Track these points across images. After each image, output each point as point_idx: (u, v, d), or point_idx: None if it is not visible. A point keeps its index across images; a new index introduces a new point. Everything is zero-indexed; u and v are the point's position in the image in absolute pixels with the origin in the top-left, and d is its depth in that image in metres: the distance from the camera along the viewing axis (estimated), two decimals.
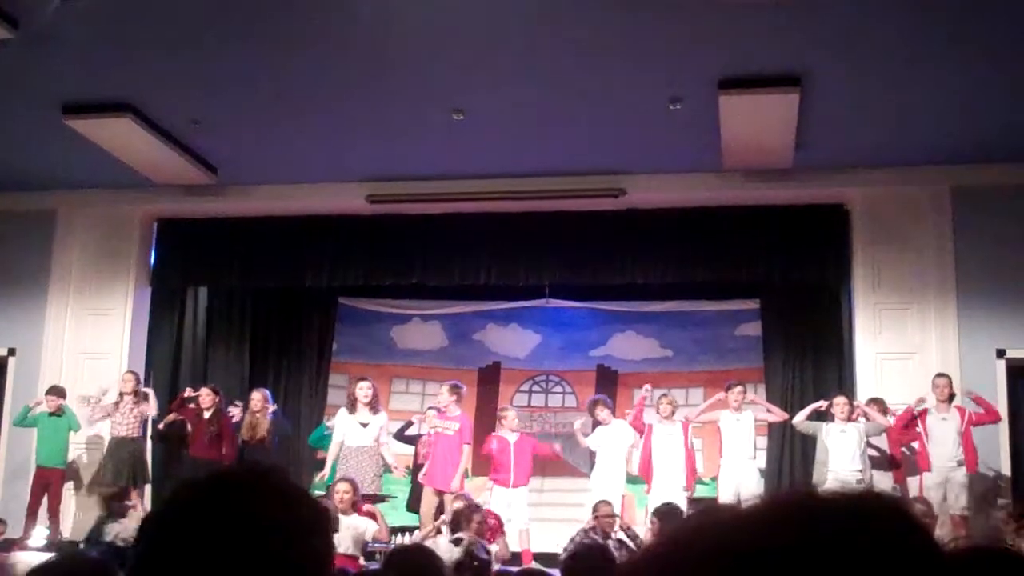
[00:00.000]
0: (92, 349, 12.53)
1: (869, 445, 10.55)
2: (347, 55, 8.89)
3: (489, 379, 14.19)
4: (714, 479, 11.64)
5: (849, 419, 10.60)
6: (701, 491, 11.83)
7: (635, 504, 11.41)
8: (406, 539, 10.82)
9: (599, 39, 8.49)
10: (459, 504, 9.80)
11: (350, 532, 9.37)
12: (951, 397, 10.49)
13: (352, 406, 11.38)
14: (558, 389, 14.10)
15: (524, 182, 11.64)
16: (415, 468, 11.83)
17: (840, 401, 10.70)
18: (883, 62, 8.71)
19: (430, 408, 12.09)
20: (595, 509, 9.88)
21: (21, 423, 11.83)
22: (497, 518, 10.33)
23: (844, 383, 11.64)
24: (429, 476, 11.18)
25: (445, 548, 8.78)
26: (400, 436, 12.15)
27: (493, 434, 11.61)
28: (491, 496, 11.25)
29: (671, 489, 10.84)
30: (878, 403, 10.65)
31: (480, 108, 9.96)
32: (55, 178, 12.23)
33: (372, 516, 9.83)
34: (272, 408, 11.80)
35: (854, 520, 0.72)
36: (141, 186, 12.13)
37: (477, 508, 9.62)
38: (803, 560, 0.69)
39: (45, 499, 11.55)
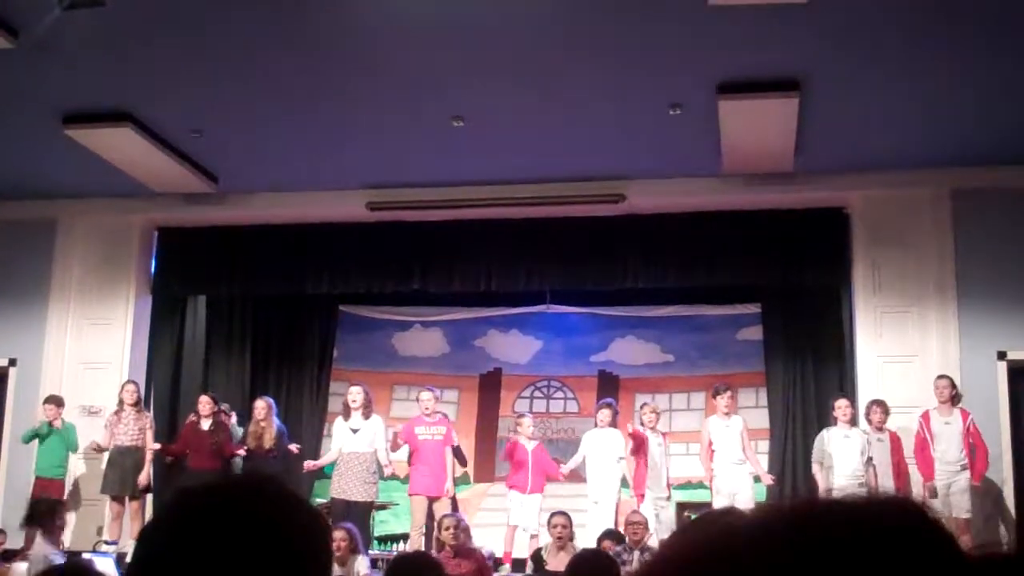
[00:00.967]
0: (93, 359, 12.52)
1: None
2: (346, 63, 8.90)
3: (490, 385, 14.20)
4: (703, 483, 11.64)
5: (851, 423, 10.59)
6: (695, 496, 11.84)
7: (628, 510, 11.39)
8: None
9: (598, 45, 8.49)
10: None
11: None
12: (953, 399, 10.48)
13: (346, 412, 11.39)
14: (560, 395, 14.09)
15: (524, 188, 11.64)
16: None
17: (842, 404, 10.69)
18: (882, 65, 8.71)
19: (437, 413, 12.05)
20: (627, 518, 9.88)
21: (29, 440, 11.80)
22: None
23: (845, 386, 11.64)
24: (415, 485, 11.18)
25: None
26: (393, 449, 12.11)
27: (514, 439, 11.56)
28: (508, 501, 11.26)
29: (661, 497, 10.93)
30: (880, 405, 10.63)
31: (479, 114, 9.96)
32: (55, 187, 12.23)
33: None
34: (276, 421, 11.79)
35: (880, 528, 0.71)
36: (141, 195, 12.13)
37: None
38: (832, 569, 0.68)
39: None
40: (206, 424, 11.60)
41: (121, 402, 11.67)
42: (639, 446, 11.09)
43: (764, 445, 12.27)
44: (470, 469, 13.45)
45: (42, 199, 12.51)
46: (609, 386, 13.76)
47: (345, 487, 10.98)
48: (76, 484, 12.15)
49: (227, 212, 12.48)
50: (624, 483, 11.48)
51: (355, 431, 11.23)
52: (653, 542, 9.93)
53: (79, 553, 10.72)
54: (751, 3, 7.61)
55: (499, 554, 10.67)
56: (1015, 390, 10.91)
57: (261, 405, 11.77)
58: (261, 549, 1.25)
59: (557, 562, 9.09)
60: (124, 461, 11.49)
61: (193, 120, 10.31)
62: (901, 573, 0.68)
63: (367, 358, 14.31)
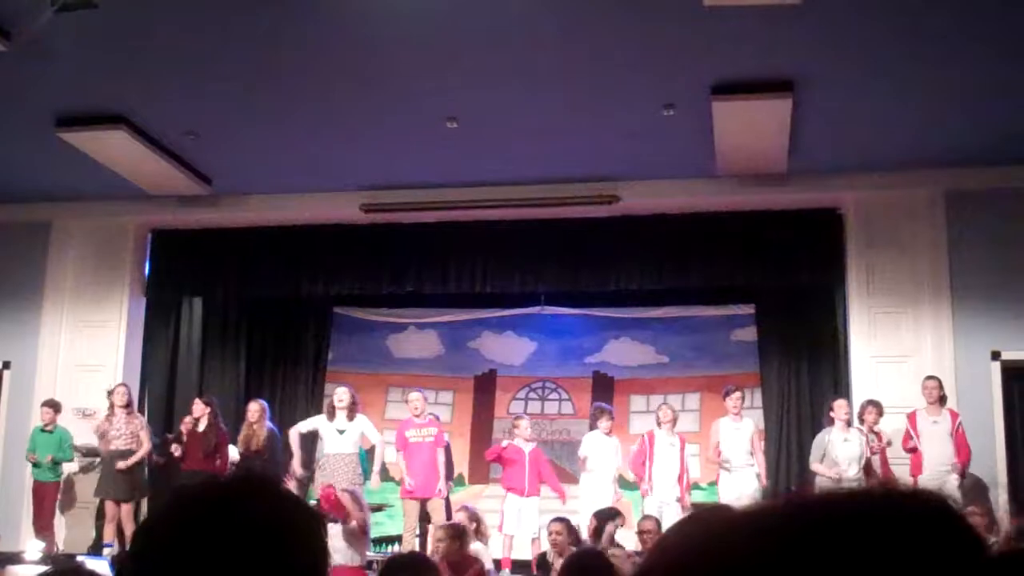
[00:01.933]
0: (87, 361, 12.51)
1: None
2: (340, 65, 8.89)
3: (485, 387, 14.19)
4: (712, 484, 11.65)
5: (849, 424, 10.60)
6: (699, 496, 11.84)
7: (631, 510, 11.39)
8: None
9: (592, 46, 8.49)
10: (462, 515, 9.79)
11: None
12: (942, 399, 10.50)
13: (331, 413, 11.40)
14: (554, 396, 14.09)
15: (518, 190, 11.65)
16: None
17: (841, 404, 10.70)
18: (876, 66, 8.72)
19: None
20: (638, 525, 9.82)
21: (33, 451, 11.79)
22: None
23: (840, 386, 11.65)
24: (406, 489, 11.20)
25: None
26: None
27: (509, 442, 11.56)
28: (503, 504, 11.26)
29: (667, 497, 10.90)
30: (875, 406, 10.65)
31: (474, 116, 9.96)
32: (49, 190, 12.22)
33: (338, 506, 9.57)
34: (269, 423, 11.80)
35: (904, 520, 0.71)
36: (135, 197, 12.12)
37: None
38: (847, 561, 0.68)
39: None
40: (200, 426, 11.58)
41: (111, 405, 11.62)
42: (650, 444, 11.13)
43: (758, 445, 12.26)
44: (464, 471, 13.45)
45: (36, 202, 12.50)
46: (604, 387, 13.76)
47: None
48: (71, 487, 12.13)
49: (221, 214, 12.48)
50: (623, 484, 11.49)
51: (341, 432, 11.24)
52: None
53: (74, 555, 10.71)
54: (745, 4, 7.62)
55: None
56: (1009, 390, 10.92)
57: (254, 408, 11.79)
58: (256, 548, 1.25)
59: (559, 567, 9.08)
60: (115, 465, 11.44)
61: (187, 122, 10.31)
62: (930, 565, 0.68)
63: (362, 360, 14.30)
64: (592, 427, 11.71)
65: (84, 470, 12.17)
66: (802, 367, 12.77)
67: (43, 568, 9.68)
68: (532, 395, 14.15)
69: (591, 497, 10.98)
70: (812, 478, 10.69)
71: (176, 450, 11.49)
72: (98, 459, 11.82)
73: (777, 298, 12.82)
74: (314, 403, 13.89)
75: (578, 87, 9.25)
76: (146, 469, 11.76)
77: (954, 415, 10.42)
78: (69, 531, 12.04)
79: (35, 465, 11.66)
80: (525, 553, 10.92)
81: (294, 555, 1.28)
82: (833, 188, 11.39)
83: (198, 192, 11.99)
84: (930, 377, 10.58)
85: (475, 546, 9.53)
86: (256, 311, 14.06)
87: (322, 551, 1.38)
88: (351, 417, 11.35)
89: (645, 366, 13.87)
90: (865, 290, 11.35)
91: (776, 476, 12.23)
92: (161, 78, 9.22)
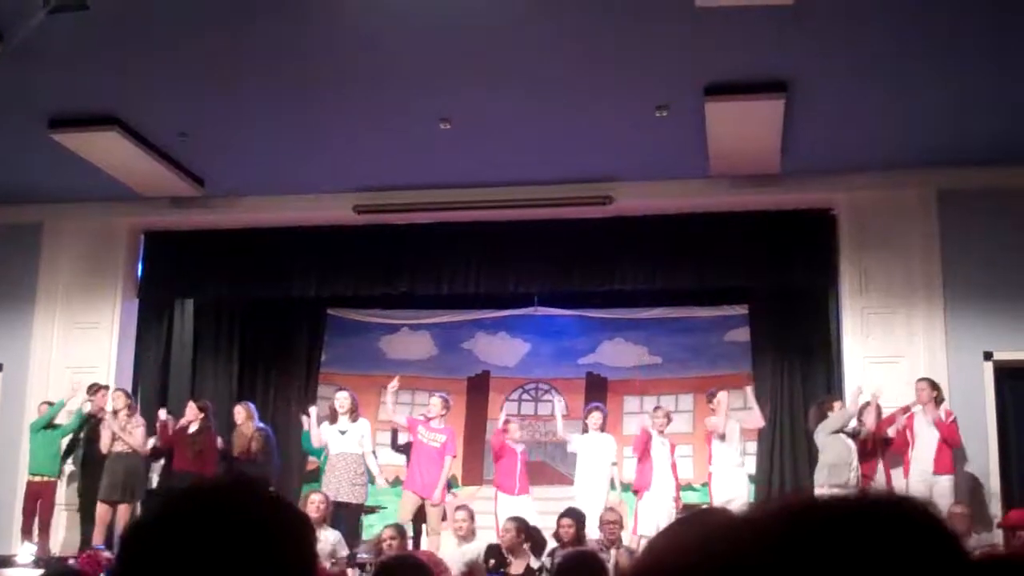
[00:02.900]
0: (80, 363, 12.48)
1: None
2: (334, 66, 8.89)
3: (478, 388, 14.20)
4: (704, 485, 11.66)
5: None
6: (692, 498, 11.85)
7: (627, 511, 11.40)
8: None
9: (585, 47, 8.50)
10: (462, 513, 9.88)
11: (324, 546, 9.40)
12: (936, 401, 10.51)
13: (332, 417, 11.44)
14: (548, 397, 14.08)
15: (511, 191, 11.64)
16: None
17: (837, 405, 10.72)
18: (868, 67, 8.73)
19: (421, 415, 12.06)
20: (600, 517, 9.91)
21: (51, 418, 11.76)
22: None
23: (833, 387, 11.66)
24: (410, 481, 11.22)
25: (457, 555, 8.88)
26: (395, 447, 12.11)
27: (504, 441, 11.61)
28: (495, 504, 11.29)
29: (663, 498, 10.92)
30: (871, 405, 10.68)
31: (467, 117, 9.96)
32: (41, 191, 12.19)
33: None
34: (259, 424, 11.79)
35: (885, 525, 0.71)
36: (128, 198, 12.10)
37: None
38: (840, 565, 0.67)
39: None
40: (192, 428, 11.57)
41: (115, 410, 11.61)
42: (643, 445, 11.13)
43: (752, 446, 12.27)
44: (458, 472, 13.45)
45: (28, 203, 12.47)
46: (597, 388, 13.76)
47: (335, 488, 11.00)
48: (66, 486, 12.11)
49: (214, 215, 12.46)
50: (613, 485, 11.51)
51: (343, 432, 11.29)
52: (627, 539, 10.00)
53: (65, 558, 10.69)
54: (738, 5, 7.62)
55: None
56: (1001, 390, 10.94)
57: (240, 411, 11.84)
58: (244, 552, 1.25)
59: (513, 567, 9.15)
60: (117, 467, 11.44)
61: (179, 123, 10.29)
62: (906, 569, 0.67)
63: (355, 361, 14.30)
64: (584, 430, 11.73)
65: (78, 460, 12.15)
66: (795, 368, 12.77)
67: (36, 571, 9.68)
68: (526, 396, 14.16)
69: (585, 498, 11.00)
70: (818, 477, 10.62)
71: (158, 442, 11.59)
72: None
73: (770, 299, 12.83)
74: (307, 405, 13.87)
75: (571, 88, 9.25)
76: (145, 471, 11.73)
77: (947, 414, 10.43)
78: (61, 534, 12.00)
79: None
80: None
81: (282, 559, 1.28)
82: (826, 189, 11.40)
83: (190, 193, 11.97)
84: (922, 379, 10.60)
85: (466, 545, 9.58)
86: (249, 312, 14.05)
87: (310, 555, 1.37)
88: (354, 419, 11.41)
89: (639, 367, 13.88)
90: (858, 290, 11.36)
91: (769, 476, 12.24)
92: (153, 79, 9.21)
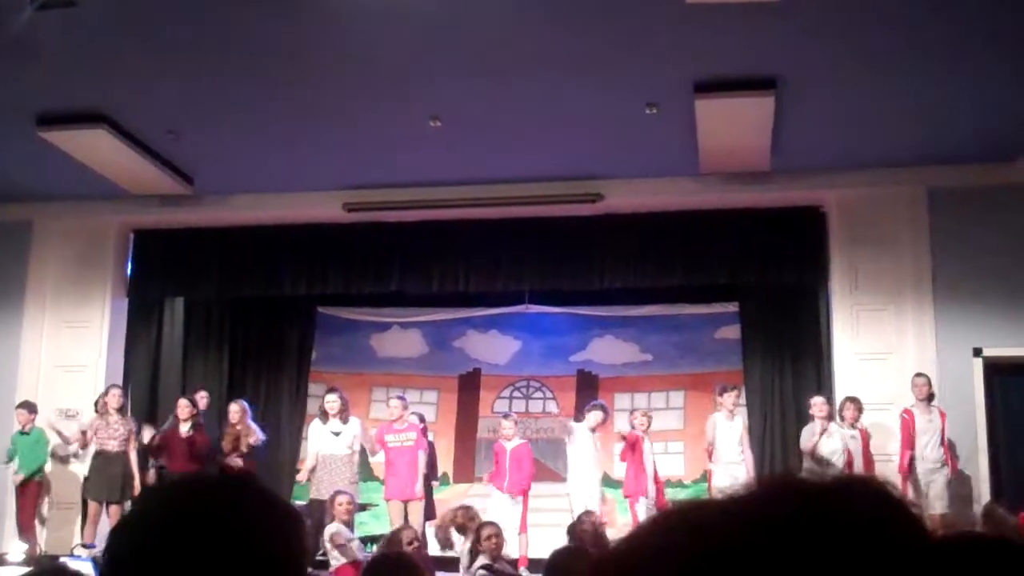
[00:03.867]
0: (69, 362, 12.46)
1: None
2: (323, 64, 8.87)
3: (469, 386, 14.20)
4: (696, 482, 11.67)
5: (829, 419, 10.65)
6: (685, 495, 11.86)
7: (616, 508, 11.42)
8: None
9: (575, 45, 8.49)
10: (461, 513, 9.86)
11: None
12: (930, 397, 10.55)
13: (323, 417, 11.45)
14: (539, 395, 14.09)
15: (501, 188, 11.64)
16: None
17: (818, 402, 10.75)
18: (858, 64, 8.74)
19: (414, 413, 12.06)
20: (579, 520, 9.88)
21: (12, 458, 11.75)
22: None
23: (823, 384, 11.69)
24: (391, 490, 11.24)
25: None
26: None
27: (496, 441, 11.69)
28: (489, 501, 11.30)
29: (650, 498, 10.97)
30: (854, 402, 10.71)
31: (457, 115, 9.95)
32: (30, 190, 12.16)
33: None
34: (252, 423, 11.79)
35: (838, 502, 0.71)
36: (117, 197, 12.08)
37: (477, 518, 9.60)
38: (788, 542, 0.67)
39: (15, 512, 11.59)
40: (184, 427, 11.56)
41: (105, 406, 11.60)
42: (634, 449, 11.12)
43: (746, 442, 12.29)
44: (449, 470, 13.45)
45: (17, 202, 12.44)
46: (588, 386, 13.76)
47: (327, 489, 10.97)
48: (51, 487, 12.08)
49: (203, 214, 12.44)
50: (608, 482, 11.51)
51: (336, 434, 11.29)
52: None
53: (56, 556, 10.67)
54: (727, 2, 7.63)
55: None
56: (991, 386, 10.98)
57: (235, 409, 11.82)
58: (233, 547, 1.24)
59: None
60: (109, 467, 11.43)
61: (168, 121, 10.26)
62: (864, 551, 0.67)
63: (345, 360, 14.29)
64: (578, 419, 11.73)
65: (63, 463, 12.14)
66: (786, 364, 12.80)
67: (25, 569, 9.65)
68: (517, 394, 14.16)
69: (576, 495, 11.02)
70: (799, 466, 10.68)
71: (159, 455, 11.57)
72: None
73: (760, 296, 12.85)
74: (298, 403, 13.89)
75: (561, 86, 9.24)
76: (135, 470, 11.71)
77: (943, 415, 10.47)
78: (52, 532, 11.99)
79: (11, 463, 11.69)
80: (512, 551, 10.90)
81: (271, 555, 1.27)
82: (816, 186, 11.42)
83: (180, 192, 11.94)
84: (919, 375, 10.63)
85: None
86: (239, 311, 14.03)
87: (300, 551, 1.37)
88: (344, 420, 11.41)
89: (629, 364, 13.89)
90: (848, 287, 11.38)
91: (760, 473, 12.24)
92: (142, 77, 9.18)
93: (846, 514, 0.69)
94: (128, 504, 11.51)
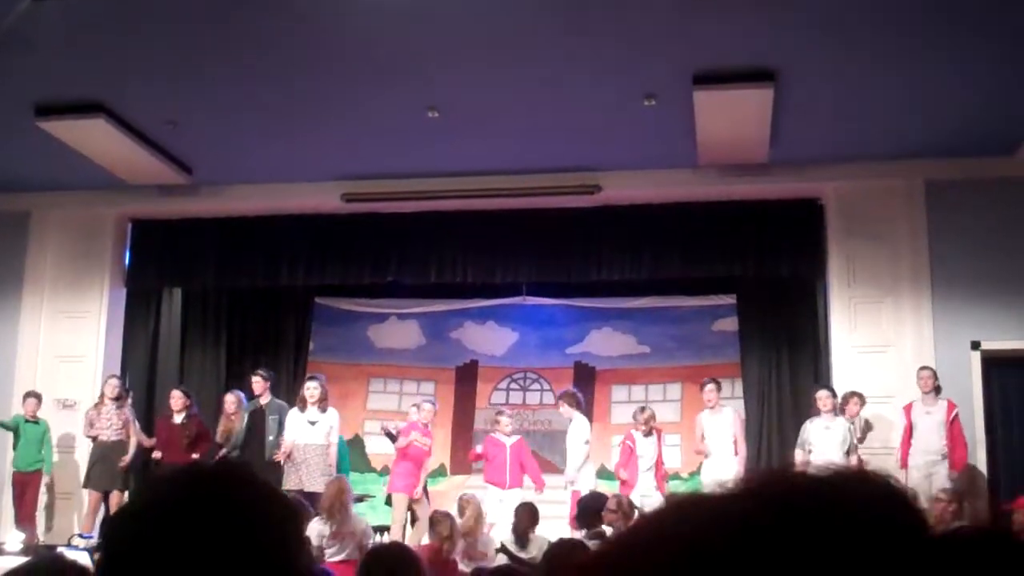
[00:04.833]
0: (67, 352, 12.46)
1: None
2: (322, 54, 8.86)
3: (466, 377, 14.20)
4: (693, 474, 11.70)
5: (834, 413, 10.66)
6: (682, 488, 11.88)
7: None
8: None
9: (573, 35, 8.48)
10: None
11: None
12: (936, 390, 10.56)
13: (302, 404, 11.38)
14: (536, 386, 14.10)
15: (499, 179, 11.64)
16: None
17: (823, 395, 10.76)
18: (857, 56, 8.73)
19: (414, 405, 12.06)
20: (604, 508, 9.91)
21: (9, 429, 11.78)
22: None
23: (820, 377, 11.70)
24: (396, 484, 11.26)
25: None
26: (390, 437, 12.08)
27: (488, 436, 11.76)
28: (484, 495, 11.33)
29: (647, 489, 10.95)
30: (858, 396, 10.71)
31: (455, 106, 9.95)
32: (28, 180, 12.15)
33: None
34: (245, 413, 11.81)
35: (836, 496, 0.71)
36: (115, 187, 12.07)
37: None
38: (786, 538, 0.68)
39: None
40: (179, 418, 11.56)
41: (102, 396, 11.62)
42: (628, 455, 11.18)
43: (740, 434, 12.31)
44: (446, 461, 13.46)
45: (15, 192, 12.43)
46: (585, 378, 13.77)
47: (302, 479, 10.97)
48: (52, 477, 12.09)
49: (202, 204, 12.43)
50: (602, 473, 11.54)
51: (312, 423, 11.25)
52: None
53: (53, 547, 10.68)
54: None
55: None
56: (988, 380, 10.99)
57: (231, 399, 11.82)
58: (231, 538, 1.24)
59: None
60: (108, 456, 11.45)
61: (167, 111, 10.25)
62: (865, 544, 0.67)
63: (343, 350, 14.29)
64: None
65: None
66: (783, 357, 12.81)
67: (23, 559, 9.66)
68: (514, 386, 14.17)
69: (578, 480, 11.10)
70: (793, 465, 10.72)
71: (156, 453, 11.60)
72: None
73: (758, 288, 12.85)
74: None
75: (559, 76, 9.24)
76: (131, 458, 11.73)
77: (951, 406, 10.47)
78: (50, 522, 11.99)
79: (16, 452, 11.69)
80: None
81: (269, 546, 1.28)
82: (814, 178, 11.42)
83: (178, 181, 11.93)
84: (924, 368, 10.63)
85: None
86: (237, 301, 14.03)
87: (298, 542, 1.37)
88: (323, 409, 11.35)
89: (626, 356, 13.90)
90: (846, 280, 11.39)
91: (757, 465, 12.26)
92: (140, 67, 9.17)
93: (845, 509, 0.69)
94: (127, 494, 11.56)
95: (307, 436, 11.24)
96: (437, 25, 8.34)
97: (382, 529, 11.41)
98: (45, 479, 11.84)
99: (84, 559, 7.98)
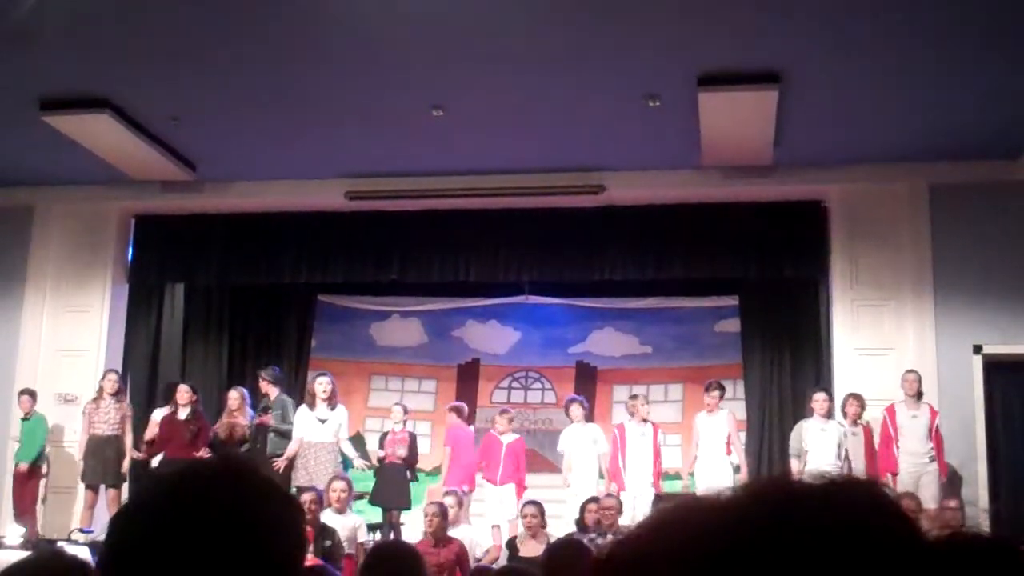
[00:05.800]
0: (69, 346, 12.46)
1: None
2: (327, 51, 8.86)
3: (468, 376, 14.21)
4: (692, 474, 11.69)
5: (829, 416, 10.66)
6: (677, 487, 11.88)
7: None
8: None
9: (578, 35, 8.48)
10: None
11: (345, 531, 9.43)
12: (920, 394, 10.55)
13: (311, 402, 11.38)
14: (537, 386, 14.11)
15: (503, 179, 11.63)
16: (380, 463, 11.75)
17: (819, 397, 10.76)
18: (861, 59, 8.73)
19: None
20: (600, 503, 9.94)
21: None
22: None
23: (822, 378, 11.68)
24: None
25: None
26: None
27: (488, 433, 11.85)
28: (484, 494, 11.40)
29: (642, 488, 10.94)
30: (857, 399, 10.69)
31: (459, 105, 9.94)
32: (32, 174, 12.16)
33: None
34: (251, 412, 11.81)
35: (830, 505, 0.71)
36: (119, 182, 12.07)
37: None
38: (779, 546, 0.68)
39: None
40: (183, 413, 11.56)
41: (101, 390, 11.63)
42: (619, 441, 11.20)
43: (741, 436, 12.32)
44: (444, 461, 13.46)
45: (19, 186, 12.44)
46: (587, 378, 13.78)
47: (311, 477, 10.96)
48: (50, 472, 12.10)
49: (205, 200, 12.43)
50: (602, 474, 11.55)
51: (322, 421, 11.24)
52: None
53: (54, 541, 10.69)
54: None
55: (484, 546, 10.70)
56: (990, 384, 10.98)
57: (235, 396, 11.82)
58: (233, 536, 1.25)
59: (528, 549, 9.21)
60: (104, 450, 11.47)
61: (171, 107, 10.25)
62: (854, 553, 0.68)
63: (345, 348, 14.30)
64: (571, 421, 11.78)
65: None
66: (785, 359, 12.81)
67: (24, 553, 9.67)
68: (515, 384, 14.17)
69: (576, 488, 11.06)
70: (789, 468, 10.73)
71: (146, 450, 11.61)
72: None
73: (761, 290, 12.84)
74: (297, 391, 13.85)
75: (564, 76, 9.24)
76: (130, 454, 11.73)
77: (933, 412, 10.47)
78: (49, 517, 12.00)
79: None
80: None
81: (271, 544, 1.28)
82: (817, 181, 11.41)
83: (182, 178, 11.94)
84: (909, 371, 10.64)
85: (463, 528, 9.65)
86: (239, 298, 14.03)
87: (300, 540, 1.37)
88: (332, 406, 11.36)
89: (628, 356, 13.91)
90: (848, 282, 11.38)
91: (758, 466, 12.27)
92: (146, 62, 9.17)
93: (836, 517, 0.69)
94: (124, 489, 11.56)
95: (317, 434, 11.23)
96: (443, 24, 8.34)
97: (378, 527, 11.41)
98: (43, 471, 11.86)
99: (85, 554, 7.98)
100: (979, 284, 10.96)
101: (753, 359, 13.02)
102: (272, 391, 11.78)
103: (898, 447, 10.42)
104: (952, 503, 9.68)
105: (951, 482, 10.40)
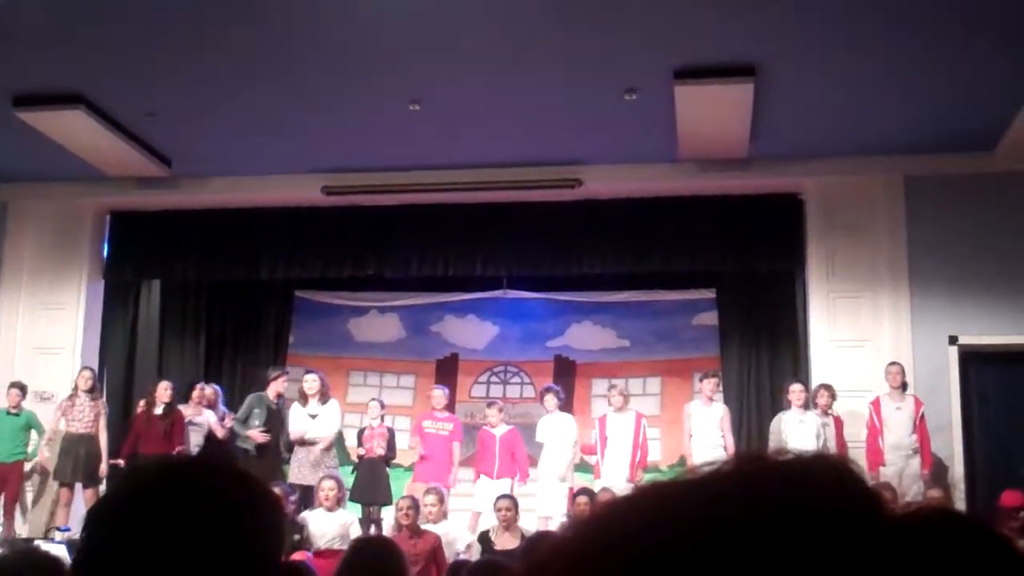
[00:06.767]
0: (45, 344, 12.40)
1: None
2: (302, 46, 8.83)
3: (447, 371, 14.19)
4: (672, 467, 11.72)
5: (805, 407, 10.71)
6: (650, 478, 11.91)
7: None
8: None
9: (555, 30, 8.48)
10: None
11: (336, 528, 9.52)
12: (904, 385, 10.61)
13: (302, 399, 11.42)
14: (516, 380, 14.11)
15: (481, 173, 11.63)
16: (360, 460, 11.74)
17: (796, 388, 10.81)
18: (837, 52, 8.76)
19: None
20: (575, 502, 9.96)
21: None
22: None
23: (799, 370, 11.73)
24: (421, 473, 11.36)
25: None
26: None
27: (481, 429, 11.86)
28: (475, 487, 11.40)
29: (618, 478, 10.95)
30: (828, 389, 10.75)
31: (437, 99, 9.93)
32: (6, 171, 12.08)
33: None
34: (223, 408, 11.82)
35: (800, 480, 0.71)
36: (94, 179, 12.01)
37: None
38: (747, 523, 0.68)
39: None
40: (159, 409, 11.50)
41: (76, 388, 11.57)
42: (602, 433, 11.24)
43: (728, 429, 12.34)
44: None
45: None
46: (565, 371, 13.79)
47: (305, 473, 10.98)
48: (33, 469, 12.01)
49: (181, 196, 12.37)
50: (582, 468, 11.57)
51: (314, 416, 11.27)
52: None
53: (32, 540, 10.64)
54: None
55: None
56: (966, 375, 11.04)
57: (209, 392, 11.85)
58: (211, 530, 1.24)
59: (503, 542, 9.26)
60: (77, 448, 11.40)
61: (146, 103, 10.20)
62: (814, 526, 0.68)
63: (323, 344, 14.26)
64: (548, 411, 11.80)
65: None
66: (762, 351, 12.87)
67: None
68: (494, 379, 14.17)
69: (547, 480, 11.10)
70: None
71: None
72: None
73: (738, 283, 12.89)
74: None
75: (541, 71, 9.24)
76: (105, 452, 11.66)
77: (918, 403, 10.52)
78: (29, 515, 11.93)
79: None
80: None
81: (249, 538, 1.28)
82: (793, 173, 11.45)
83: (157, 174, 11.88)
84: (893, 363, 10.69)
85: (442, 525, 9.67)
86: (216, 294, 13.99)
87: (278, 535, 1.37)
88: (324, 401, 11.42)
89: (606, 350, 13.92)
90: (825, 275, 11.43)
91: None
92: (120, 57, 9.13)
93: (799, 489, 0.69)
94: (102, 487, 11.50)
95: (311, 430, 11.25)
96: (419, 18, 8.32)
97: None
98: (28, 467, 11.78)
99: (61, 552, 7.94)
100: (955, 275, 11.02)
101: (731, 352, 13.07)
102: (271, 389, 11.82)
103: (883, 440, 10.47)
104: (936, 492, 9.73)
105: (934, 476, 10.44)
